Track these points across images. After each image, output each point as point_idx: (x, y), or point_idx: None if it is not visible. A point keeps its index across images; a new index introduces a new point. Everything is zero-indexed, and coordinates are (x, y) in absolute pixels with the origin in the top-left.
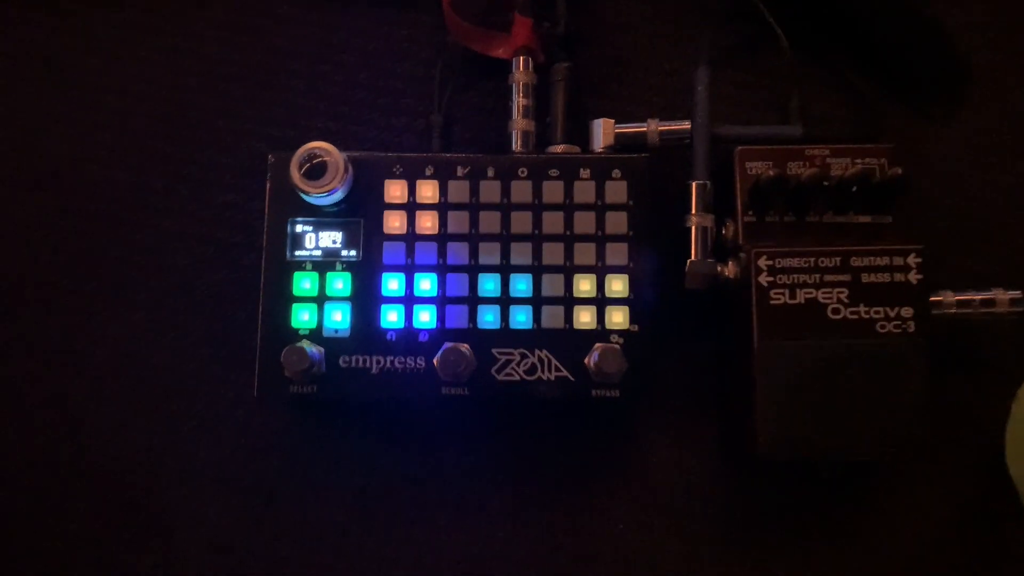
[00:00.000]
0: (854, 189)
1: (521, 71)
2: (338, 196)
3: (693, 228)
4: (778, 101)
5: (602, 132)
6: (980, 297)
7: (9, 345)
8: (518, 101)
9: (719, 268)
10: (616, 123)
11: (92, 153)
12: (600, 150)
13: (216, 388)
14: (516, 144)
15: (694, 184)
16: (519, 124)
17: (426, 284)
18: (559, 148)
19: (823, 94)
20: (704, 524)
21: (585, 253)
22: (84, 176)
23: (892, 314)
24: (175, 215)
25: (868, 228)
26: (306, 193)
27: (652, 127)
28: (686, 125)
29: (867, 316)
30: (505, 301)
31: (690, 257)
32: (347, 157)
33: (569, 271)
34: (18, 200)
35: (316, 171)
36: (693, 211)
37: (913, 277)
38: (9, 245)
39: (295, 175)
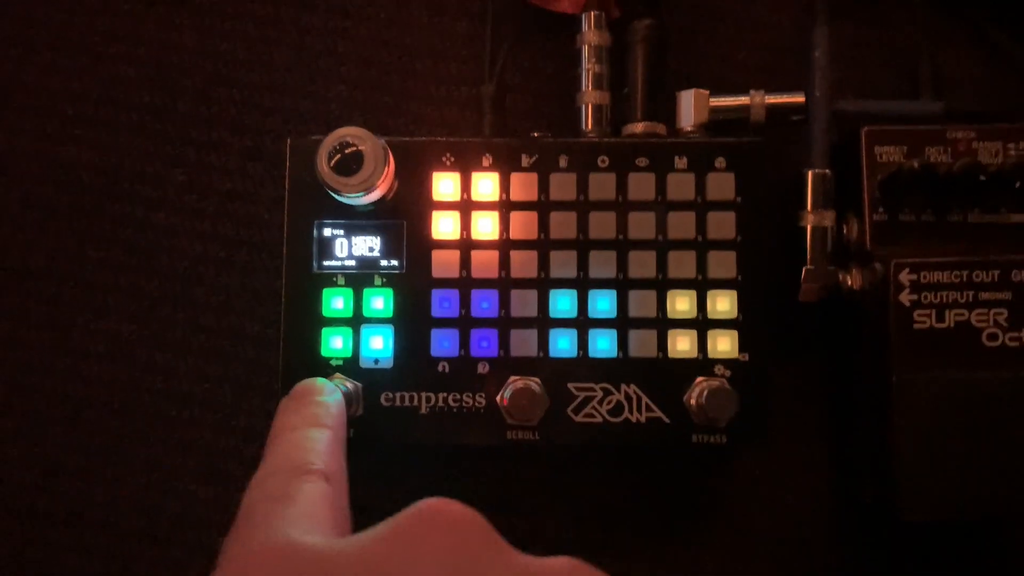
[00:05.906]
0: (1017, 185)
1: (592, 30)
2: (377, 195)
3: (809, 228)
4: (903, 64)
5: (693, 107)
6: None
7: None
8: (589, 68)
9: (841, 277)
10: (711, 95)
11: (61, 130)
12: (690, 129)
13: (223, 418)
14: (586, 122)
15: (810, 173)
16: (590, 97)
17: (486, 303)
18: (639, 127)
19: (961, 56)
20: None
21: (683, 264)
22: (52, 158)
23: None
24: (167, 207)
25: (1022, 230)
26: (338, 192)
27: (756, 100)
28: (799, 98)
29: None
30: (583, 324)
31: (805, 264)
32: (386, 144)
33: (662, 286)
34: None
35: (349, 163)
36: (809, 207)
37: None
38: None
39: (324, 169)
